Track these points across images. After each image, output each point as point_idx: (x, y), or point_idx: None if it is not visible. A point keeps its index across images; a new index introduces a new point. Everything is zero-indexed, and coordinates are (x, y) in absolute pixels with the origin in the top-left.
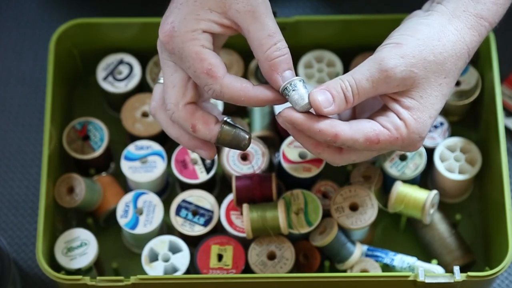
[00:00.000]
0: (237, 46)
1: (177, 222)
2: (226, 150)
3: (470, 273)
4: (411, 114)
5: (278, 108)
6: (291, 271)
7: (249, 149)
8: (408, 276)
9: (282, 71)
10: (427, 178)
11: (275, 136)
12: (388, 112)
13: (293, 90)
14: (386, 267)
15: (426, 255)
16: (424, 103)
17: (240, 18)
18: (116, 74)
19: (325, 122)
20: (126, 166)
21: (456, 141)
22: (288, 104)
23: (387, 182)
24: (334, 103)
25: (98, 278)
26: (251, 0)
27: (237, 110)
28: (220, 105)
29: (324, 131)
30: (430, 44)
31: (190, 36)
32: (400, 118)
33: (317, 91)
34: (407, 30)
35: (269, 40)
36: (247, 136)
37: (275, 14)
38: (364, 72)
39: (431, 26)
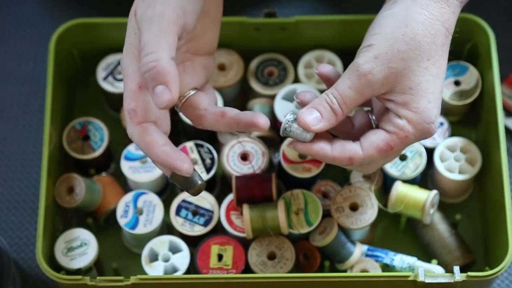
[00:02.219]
0: (237, 46)
1: (177, 222)
2: (226, 150)
3: (470, 273)
4: (409, 109)
5: (278, 110)
6: (291, 271)
7: (249, 149)
8: (408, 276)
9: (151, 88)
10: (427, 178)
11: (275, 136)
12: (388, 114)
13: (291, 129)
14: (386, 267)
15: (426, 255)
16: (416, 93)
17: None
18: (116, 74)
19: (336, 149)
20: (126, 166)
21: (456, 141)
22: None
23: (387, 182)
24: (323, 119)
25: (98, 278)
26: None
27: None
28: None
29: (338, 158)
30: (399, 33)
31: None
32: (400, 117)
33: (304, 111)
34: (374, 28)
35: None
36: (199, 183)
37: (275, 14)
38: (345, 81)
39: (395, 15)
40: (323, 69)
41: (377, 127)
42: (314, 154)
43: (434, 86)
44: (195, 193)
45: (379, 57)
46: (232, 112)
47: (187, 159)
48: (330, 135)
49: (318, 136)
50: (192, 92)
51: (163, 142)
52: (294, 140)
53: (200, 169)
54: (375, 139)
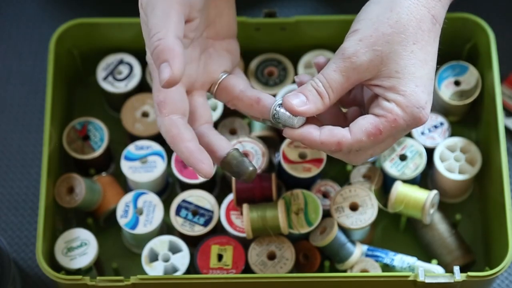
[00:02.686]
0: None
1: (177, 222)
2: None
3: (470, 273)
4: (396, 92)
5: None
6: (291, 271)
7: (249, 149)
8: (408, 276)
9: (157, 67)
10: (427, 178)
11: (275, 136)
12: (376, 100)
13: (278, 115)
14: (386, 267)
15: (426, 255)
16: (403, 76)
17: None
18: (116, 74)
19: (325, 133)
20: (126, 166)
21: (456, 141)
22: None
23: (387, 182)
24: (308, 101)
25: (98, 278)
26: None
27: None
28: (220, 108)
29: (325, 142)
30: (384, 17)
31: None
32: (388, 101)
33: (289, 95)
34: (360, 15)
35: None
36: (252, 168)
37: (275, 14)
38: (331, 66)
39: (380, 2)
40: (319, 60)
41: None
42: (301, 138)
43: (421, 71)
44: (247, 179)
45: (363, 40)
46: (268, 100)
47: (209, 161)
48: (320, 121)
49: (307, 122)
50: (223, 76)
51: (189, 138)
52: (290, 139)
53: None
54: (364, 123)
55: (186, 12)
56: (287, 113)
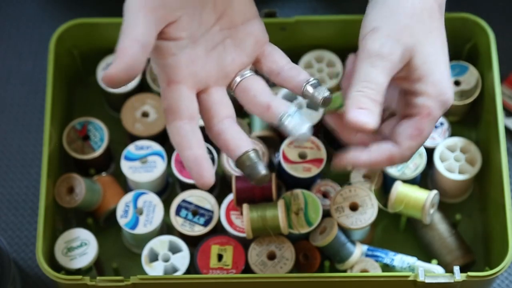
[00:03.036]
0: None
1: (177, 222)
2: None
3: (470, 273)
4: (425, 82)
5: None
6: (291, 271)
7: None
8: (408, 276)
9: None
10: (427, 178)
11: (275, 136)
12: (405, 99)
13: (290, 120)
14: (386, 267)
15: (426, 255)
16: (429, 66)
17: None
18: None
19: (374, 153)
20: (126, 166)
21: (456, 141)
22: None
23: (387, 182)
24: (372, 113)
25: (98, 278)
26: None
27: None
28: None
29: (378, 162)
30: (398, 12)
31: None
32: (417, 94)
33: (352, 112)
34: (370, 15)
35: None
36: (264, 173)
37: (275, 14)
38: (372, 70)
39: (386, 1)
40: (351, 60)
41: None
42: (353, 164)
43: (443, 57)
44: (258, 183)
45: (391, 35)
46: (278, 108)
47: (209, 172)
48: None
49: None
50: (238, 80)
51: (190, 146)
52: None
53: None
54: (404, 129)
55: (159, 15)
56: (298, 121)
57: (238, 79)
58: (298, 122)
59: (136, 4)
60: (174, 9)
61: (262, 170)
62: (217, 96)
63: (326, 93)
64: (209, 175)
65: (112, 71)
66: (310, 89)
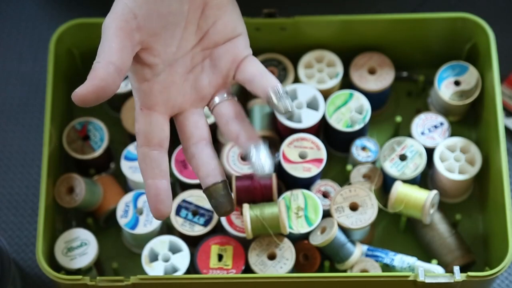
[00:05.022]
0: None
1: (177, 222)
2: (226, 150)
3: (470, 273)
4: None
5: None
6: (291, 271)
7: None
8: (408, 276)
9: None
10: (427, 178)
11: (275, 136)
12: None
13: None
14: (386, 267)
15: (426, 255)
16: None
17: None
18: None
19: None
20: (126, 166)
21: (456, 141)
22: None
23: (387, 182)
24: None
25: (98, 278)
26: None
27: None
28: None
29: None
30: None
31: None
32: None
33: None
34: None
35: None
36: (229, 208)
37: (275, 14)
38: None
39: None
40: None
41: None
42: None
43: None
44: (221, 215)
45: None
46: (243, 138)
47: (166, 206)
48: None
49: None
50: (216, 101)
51: (155, 175)
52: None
53: None
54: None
55: (135, 40)
56: (260, 165)
57: (216, 100)
58: (261, 163)
59: (112, 26)
60: (152, 33)
61: (228, 205)
62: (192, 118)
63: (288, 106)
64: (164, 208)
65: (82, 91)
66: (274, 99)
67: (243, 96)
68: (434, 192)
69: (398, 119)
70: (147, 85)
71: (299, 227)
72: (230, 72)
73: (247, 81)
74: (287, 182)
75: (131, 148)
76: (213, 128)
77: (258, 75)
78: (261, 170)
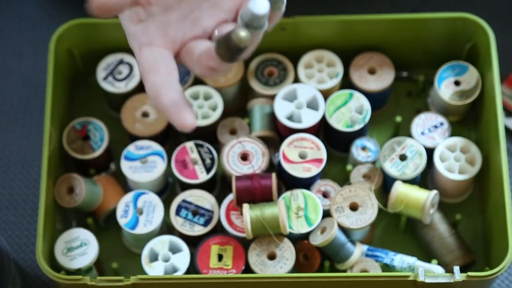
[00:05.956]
0: None
1: (177, 222)
2: (226, 150)
3: (470, 273)
4: None
5: (278, 110)
6: (291, 271)
7: (249, 149)
8: (408, 276)
9: None
10: (427, 178)
11: (275, 136)
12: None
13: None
14: (386, 267)
15: (426, 255)
16: None
17: None
18: (116, 74)
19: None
20: (126, 166)
21: (456, 141)
22: None
23: (387, 182)
24: None
25: (98, 278)
26: None
27: (237, 111)
28: (220, 108)
29: None
30: None
31: None
32: None
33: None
34: None
35: None
36: (239, 37)
37: None
38: None
39: None
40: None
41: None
42: None
43: None
44: (241, 44)
45: None
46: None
47: (191, 114)
48: None
49: None
50: (216, 34)
51: (169, 93)
52: None
53: (200, 169)
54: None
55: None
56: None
57: (216, 34)
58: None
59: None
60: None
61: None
62: (195, 43)
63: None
64: (188, 116)
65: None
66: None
67: (243, 96)
68: (434, 192)
69: (398, 119)
70: (143, 25)
71: (299, 227)
72: (233, 8)
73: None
74: (287, 182)
75: (131, 148)
76: (213, 128)
77: None
78: (257, 8)
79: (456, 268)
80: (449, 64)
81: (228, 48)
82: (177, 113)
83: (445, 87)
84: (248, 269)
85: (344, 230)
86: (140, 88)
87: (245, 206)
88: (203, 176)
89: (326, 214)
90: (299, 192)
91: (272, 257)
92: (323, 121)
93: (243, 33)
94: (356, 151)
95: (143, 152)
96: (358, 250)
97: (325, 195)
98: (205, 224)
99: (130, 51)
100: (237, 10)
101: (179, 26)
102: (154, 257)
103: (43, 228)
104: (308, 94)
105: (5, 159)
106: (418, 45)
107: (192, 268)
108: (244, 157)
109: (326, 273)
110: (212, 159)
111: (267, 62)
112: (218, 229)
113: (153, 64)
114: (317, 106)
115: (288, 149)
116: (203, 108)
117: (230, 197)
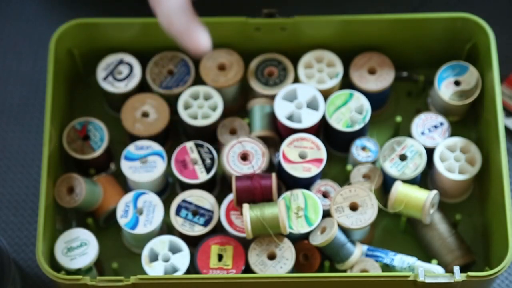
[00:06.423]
0: (237, 46)
1: (177, 222)
2: (226, 150)
3: (470, 273)
4: None
5: (278, 110)
6: (291, 271)
7: (249, 149)
8: (408, 276)
9: None
10: (427, 178)
11: (275, 136)
12: None
13: None
14: (386, 267)
15: (426, 255)
16: None
17: None
18: (116, 74)
19: None
20: (126, 166)
21: (456, 141)
22: None
23: (387, 182)
24: None
25: (98, 278)
26: None
27: (237, 111)
28: (220, 108)
29: None
30: None
31: None
32: None
33: None
34: None
35: None
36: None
37: (275, 14)
38: None
39: None
40: None
41: None
42: None
43: None
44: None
45: None
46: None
47: (205, 36)
48: None
49: None
50: None
51: (181, 19)
52: None
53: (200, 169)
54: None
55: None
56: None
57: None
58: None
59: None
60: None
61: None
62: None
63: None
64: (204, 39)
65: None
66: None
67: (243, 96)
68: (434, 192)
69: (398, 119)
70: None
71: (299, 227)
72: None
73: None
74: (287, 182)
75: (131, 148)
76: (213, 128)
77: None
78: None
79: (456, 268)
80: (449, 64)
81: None
82: (190, 36)
83: (445, 87)
84: (248, 269)
85: (344, 230)
86: (140, 88)
87: (245, 206)
88: (203, 176)
89: (326, 214)
90: (299, 192)
91: (272, 257)
92: (323, 121)
93: None
94: (356, 151)
95: (143, 152)
96: (358, 250)
97: (325, 195)
98: (205, 224)
99: (130, 51)
100: None
101: None
102: (154, 257)
103: (43, 228)
104: (308, 94)
105: (5, 159)
106: (418, 45)
107: (192, 268)
108: (244, 157)
109: (326, 273)
110: (212, 159)
111: (267, 62)
112: (218, 229)
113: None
114: (317, 106)
115: (288, 149)
116: (203, 108)
117: (230, 197)
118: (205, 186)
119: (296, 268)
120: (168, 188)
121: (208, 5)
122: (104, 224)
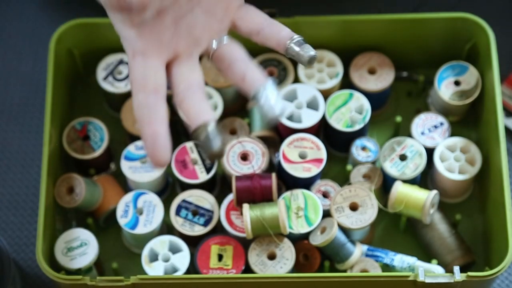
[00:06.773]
0: None
1: (177, 222)
2: (226, 150)
3: (470, 273)
4: None
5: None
6: (291, 271)
7: (249, 149)
8: (408, 276)
9: None
10: (427, 178)
11: (275, 136)
12: None
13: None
14: (386, 267)
15: (426, 255)
16: None
17: None
18: (116, 74)
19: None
20: (126, 166)
21: (456, 141)
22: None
23: (387, 182)
24: None
25: (98, 278)
26: None
27: (237, 111)
28: (220, 108)
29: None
30: None
31: None
32: None
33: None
34: None
35: None
36: (217, 149)
37: (275, 14)
38: None
39: None
40: None
41: None
42: None
43: None
44: (210, 158)
45: None
46: (249, 79)
47: (165, 150)
48: None
49: None
50: (214, 47)
51: (151, 122)
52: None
53: (200, 169)
54: None
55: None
56: (270, 107)
57: (214, 46)
58: (271, 105)
59: None
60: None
61: (216, 145)
62: (187, 63)
63: (312, 52)
64: (162, 155)
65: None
66: (295, 47)
67: (243, 96)
68: (434, 192)
69: (398, 119)
70: (136, 30)
71: (299, 227)
72: (226, 18)
73: (254, 33)
74: (287, 182)
75: (131, 148)
76: None
77: (265, 25)
78: (271, 112)
79: (456, 268)
80: (449, 64)
81: (204, 151)
82: (153, 147)
83: (445, 87)
84: (248, 269)
85: (344, 230)
86: None
87: (245, 206)
88: (203, 176)
89: (326, 214)
90: (299, 192)
91: (272, 257)
92: (323, 121)
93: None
94: (356, 151)
95: (143, 152)
96: (358, 250)
97: (325, 195)
98: (205, 224)
99: None
100: (231, 21)
101: (172, 32)
102: (154, 257)
103: (43, 228)
104: (308, 94)
105: (5, 159)
106: (418, 45)
107: (192, 268)
108: (244, 157)
109: (326, 273)
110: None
111: (267, 62)
112: (218, 229)
113: (143, 77)
114: (317, 106)
115: (288, 149)
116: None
117: (230, 197)
118: (205, 186)
119: (296, 268)
120: (168, 188)
121: None
122: (104, 224)
